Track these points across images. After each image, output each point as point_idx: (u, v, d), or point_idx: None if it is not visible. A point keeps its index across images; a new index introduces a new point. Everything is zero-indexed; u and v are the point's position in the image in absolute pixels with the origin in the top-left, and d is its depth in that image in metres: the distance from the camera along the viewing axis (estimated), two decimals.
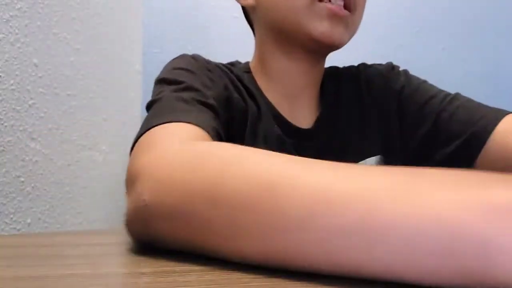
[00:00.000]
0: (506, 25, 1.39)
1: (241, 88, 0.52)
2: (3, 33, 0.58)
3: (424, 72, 1.46)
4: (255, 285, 0.19)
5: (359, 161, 0.56)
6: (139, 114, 1.21)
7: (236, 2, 0.64)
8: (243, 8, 0.62)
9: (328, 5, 0.49)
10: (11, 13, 0.60)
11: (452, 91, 1.45)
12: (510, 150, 0.47)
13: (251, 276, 0.21)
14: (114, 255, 0.28)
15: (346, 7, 0.51)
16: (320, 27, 0.50)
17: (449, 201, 0.19)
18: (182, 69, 0.48)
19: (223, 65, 0.54)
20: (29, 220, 0.64)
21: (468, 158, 0.50)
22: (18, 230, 0.61)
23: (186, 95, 0.41)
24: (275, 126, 0.53)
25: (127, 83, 1.10)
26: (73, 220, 0.77)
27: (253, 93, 0.52)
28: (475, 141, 0.50)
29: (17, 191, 0.61)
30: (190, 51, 1.44)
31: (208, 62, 0.53)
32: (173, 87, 0.43)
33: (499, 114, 0.51)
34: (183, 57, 0.52)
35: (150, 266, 0.24)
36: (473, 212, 0.18)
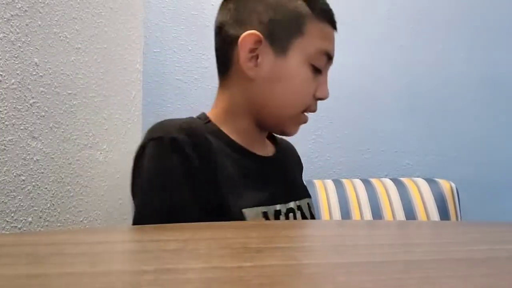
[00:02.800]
0: (506, 25, 1.39)
1: (205, 142, 0.56)
2: (4, 32, 0.58)
3: (424, 72, 1.46)
4: (255, 283, 0.19)
5: (302, 197, 0.68)
6: (139, 113, 1.21)
7: None
8: (225, 49, 0.63)
9: (306, 117, 0.64)
10: (12, 13, 0.60)
11: (452, 90, 1.45)
12: None
13: (252, 274, 0.21)
14: (115, 253, 0.28)
15: None
16: (293, 129, 0.64)
17: None
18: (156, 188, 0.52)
19: (191, 137, 0.55)
20: (30, 219, 0.64)
21: None
22: (19, 228, 0.61)
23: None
24: (241, 157, 0.61)
25: (128, 82, 1.10)
26: (74, 219, 0.77)
27: (218, 139, 0.59)
28: None
29: (18, 190, 0.61)
30: (190, 51, 1.44)
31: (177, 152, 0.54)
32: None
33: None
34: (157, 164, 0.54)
35: (151, 264, 0.24)
36: None
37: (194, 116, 0.65)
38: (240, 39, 0.59)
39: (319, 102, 0.65)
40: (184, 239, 0.34)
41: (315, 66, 0.60)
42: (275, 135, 0.74)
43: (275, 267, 0.22)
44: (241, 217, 0.54)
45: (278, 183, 0.63)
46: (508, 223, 0.46)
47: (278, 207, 0.60)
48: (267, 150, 0.68)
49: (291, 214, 0.62)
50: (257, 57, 0.60)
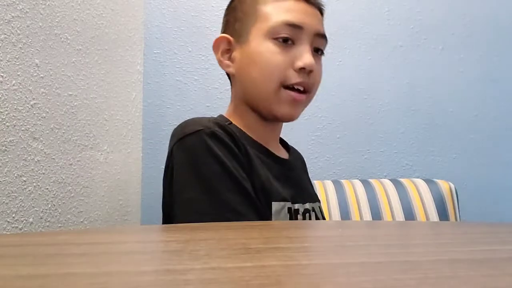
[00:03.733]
0: (505, 26, 1.39)
1: (237, 136, 0.59)
2: (5, 34, 0.58)
3: (422, 72, 1.46)
4: (255, 284, 0.19)
5: (314, 201, 0.70)
6: (140, 114, 1.21)
7: None
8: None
9: (292, 92, 0.61)
10: (12, 14, 0.60)
11: (450, 91, 1.45)
12: None
13: (252, 274, 0.21)
14: (115, 254, 0.28)
15: (305, 89, 0.63)
16: (283, 110, 0.62)
17: None
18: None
19: (225, 131, 0.58)
20: (31, 219, 0.64)
21: None
22: (20, 229, 0.62)
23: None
24: (265, 157, 0.64)
25: (128, 83, 1.10)
26: (75, 219, 0.77)
27: (242, 137, 0.62)
28: None
29: (19, 191, 0.61)
30: (190, 52, 1.44)
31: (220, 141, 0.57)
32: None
33: None
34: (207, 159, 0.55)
35: (151, 264, 0.24)
36: None
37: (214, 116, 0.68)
38: (212, 46, 0.67)
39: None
40: (184, 240, 0.34)
41: (279, 38, 0.61)
42: (287, 142, 0.77)
43: (275, 267, 0.23)
44: (269, 209, 0.57)
45: (295, 184, 0.66)
46: (508, 224, 0.46)
47: (296, 206, 0.62)
48: (282, 153, 0.71)
49: (307, 214, 0.65)
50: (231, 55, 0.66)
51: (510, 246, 0.32)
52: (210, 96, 1.29)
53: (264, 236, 0.36)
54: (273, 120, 0.66)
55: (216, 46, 0.67)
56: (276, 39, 0.61)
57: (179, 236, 0.36)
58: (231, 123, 0.63)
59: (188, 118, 0.61)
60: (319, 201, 0.74)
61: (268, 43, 0.61)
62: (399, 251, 0.29)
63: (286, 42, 0.61)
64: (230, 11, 0.69)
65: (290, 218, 0.60)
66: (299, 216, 0.63)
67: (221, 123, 0.59)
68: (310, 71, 0.61)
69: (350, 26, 1.35)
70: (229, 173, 0.53)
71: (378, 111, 1.35)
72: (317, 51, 0.65)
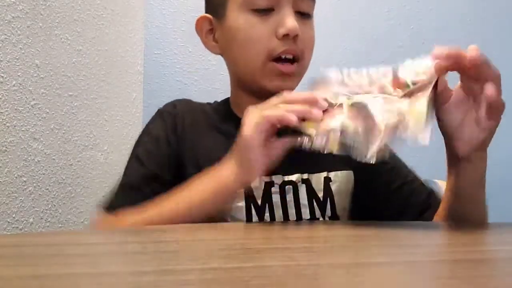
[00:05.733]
0: (506, 25, 1.39)
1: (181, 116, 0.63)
2: (5, 34, 0.59)
3: None
4: (255, 284, 0.19)
5: (318, 171, 0.60)
6: (140, 115, 1.21)
7: None
8: None
9: (279, 65, 0.56)
10: (13, 15, 0.60)
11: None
12: None
13: (251, 275, 0.21)
14: (115, 254, 0.28)
15: (294, 58, 0.57)
16: (272, 84, 0.57)
17: None
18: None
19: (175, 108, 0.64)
20: (31, 220, 0.64)
21: None
22: (20, 229, 0.62)
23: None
24: None
25: (129, 84, 1.10)
26: (75, 220, 0.77)
27: (230, 117, 0.64)
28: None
29: (19, 191, 0.62)
30: (190, 52, 1.44)
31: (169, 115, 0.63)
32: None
33: None
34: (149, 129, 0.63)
35: (151, 265, 0.24)
36: None
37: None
38: (195, 28, 0.65)
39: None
40: (184, 240, 0.34)
41: (257, 9, 0.57)
42: None
43: (275, 267, 0.23)
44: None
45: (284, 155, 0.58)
46: (508, 224, 0.46)
47: (271, 178, 0.57)
48: None
49: (288, 187, 0.58)
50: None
51: (510, 246, 0.32)
52: (210, 97, 1.29)
53: (264, 237, 0.36)
54: (267, 96, 0.58)
55: (199, 28, 0.63)
56: (254, 9, 0.57)
57: (180, 237, 0.36)
58: (225, 103, 0.67)
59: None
60: (332, 170, 0.61)
61: (245, 15, 0.57)
62: (399, 251, 0.29)
63: (265, 11, 0.56)
64: None
65: (247, 192, 0.55)
66: (274, 189, 0.57)
67: (182, 104, 0.65)
68: (296, 36, 0.56)
69: (350, 26, 1.35)
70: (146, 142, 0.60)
71: None
72: (303, 15, 0.58)
